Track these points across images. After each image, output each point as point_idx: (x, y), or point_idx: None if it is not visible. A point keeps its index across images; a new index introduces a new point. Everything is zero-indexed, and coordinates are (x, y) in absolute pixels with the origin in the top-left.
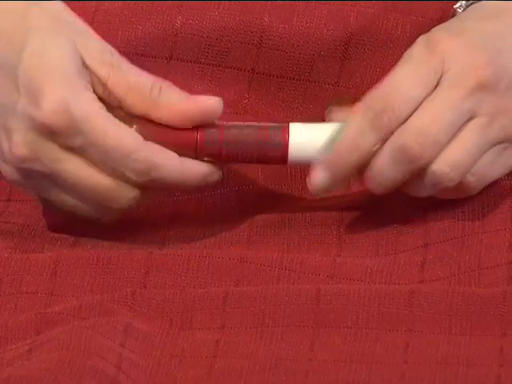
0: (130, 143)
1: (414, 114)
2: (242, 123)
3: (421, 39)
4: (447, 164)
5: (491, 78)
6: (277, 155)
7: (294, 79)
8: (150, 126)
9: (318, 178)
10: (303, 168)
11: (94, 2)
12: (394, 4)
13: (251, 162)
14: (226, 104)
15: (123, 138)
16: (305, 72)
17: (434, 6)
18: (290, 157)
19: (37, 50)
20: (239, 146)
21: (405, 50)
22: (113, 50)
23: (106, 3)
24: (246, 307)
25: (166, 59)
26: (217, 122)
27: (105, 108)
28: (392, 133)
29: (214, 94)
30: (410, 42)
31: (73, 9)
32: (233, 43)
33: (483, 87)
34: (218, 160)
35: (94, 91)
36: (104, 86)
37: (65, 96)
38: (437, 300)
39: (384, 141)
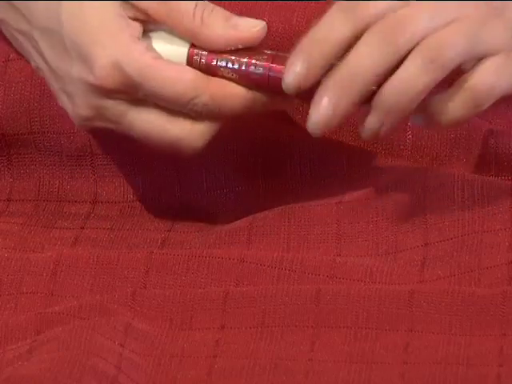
0: (189, 88)
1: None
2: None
3: None
4: (490, 73)
5: None
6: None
7: None
8: None
9: (293, 69)
10: (303, 168)
11: None
12: None
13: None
14: None
15: (181, 85)
16: None
17: None
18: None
19: (73, 12)
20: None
21: None
22: None
23: None
24: (246, 307)
25: None
26: None
27: (155, 52)
28: (368, 24)
29: None
30: None
31: None
32: None
33: None
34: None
35: (138, 21)
36: (147, 15)
37: (114, 55)
38: (437, 300)
39: (359, 32)
